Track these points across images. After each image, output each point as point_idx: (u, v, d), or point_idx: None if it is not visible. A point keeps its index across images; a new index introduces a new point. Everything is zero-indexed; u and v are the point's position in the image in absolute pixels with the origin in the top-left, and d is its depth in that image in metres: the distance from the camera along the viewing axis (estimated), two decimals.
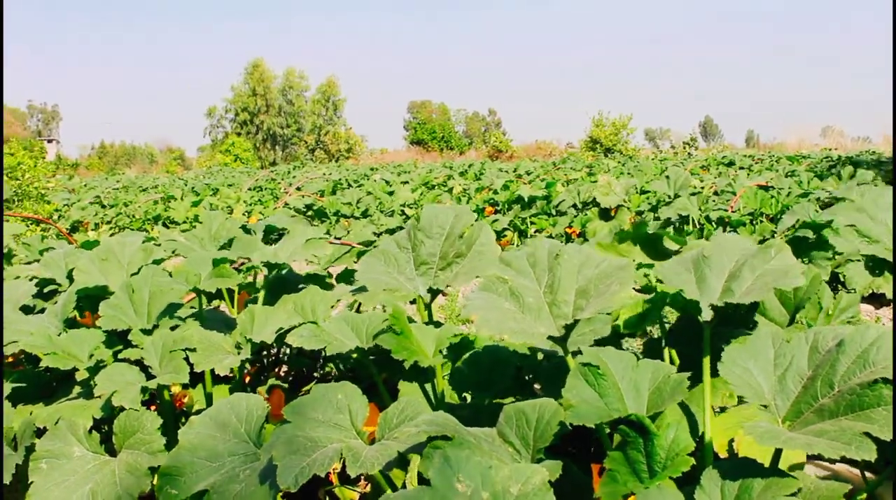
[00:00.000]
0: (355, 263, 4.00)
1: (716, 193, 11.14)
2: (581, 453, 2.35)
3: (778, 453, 1.83)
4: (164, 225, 14.26)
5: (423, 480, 2.02)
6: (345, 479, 2.69)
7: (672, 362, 2.38)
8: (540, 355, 2.69)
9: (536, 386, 2.78)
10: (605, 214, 9.34)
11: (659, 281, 2.47)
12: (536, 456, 1.84)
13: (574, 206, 10.67)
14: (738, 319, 2.45)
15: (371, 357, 2.59)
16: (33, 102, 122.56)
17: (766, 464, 1.73)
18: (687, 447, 1.72)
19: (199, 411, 2.95)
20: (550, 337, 2.10)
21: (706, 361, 2.05)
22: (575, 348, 2.19)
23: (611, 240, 3.34)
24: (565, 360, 2.20)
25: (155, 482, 2.40)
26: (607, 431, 2.02)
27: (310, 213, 13.80)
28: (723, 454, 2.07)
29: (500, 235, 10.03)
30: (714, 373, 2.15)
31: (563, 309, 2.15)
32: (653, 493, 1.60)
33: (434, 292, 2.73)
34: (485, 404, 2.48)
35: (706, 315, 2.08)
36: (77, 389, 2.98)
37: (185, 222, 13.89)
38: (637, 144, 56.74)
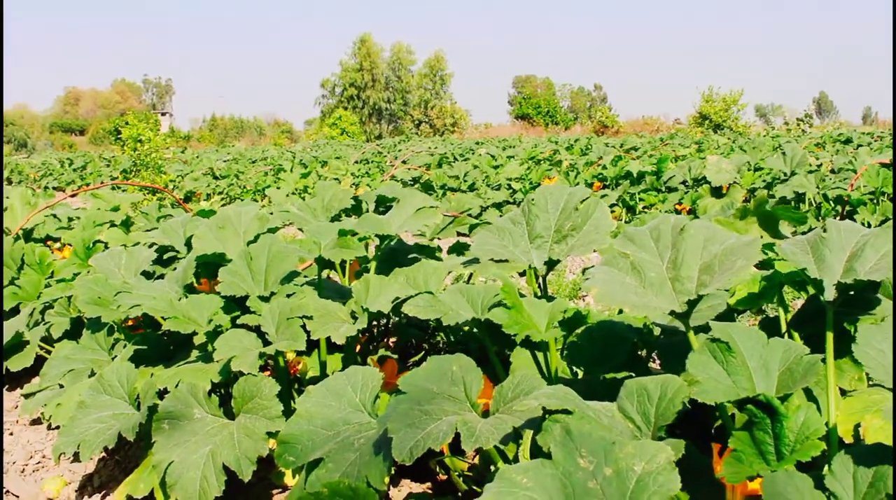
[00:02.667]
0: (463, 234, 3.99)
1: (833, 171, 10.76)
2: (698, 432, 2.29)
3: None
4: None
5: (535, 454, 2.00)
6: (455, 449, 2.69)
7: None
8: (657, 331, 2.64)
9: (651, 364, 2.73)
10: (717, 192, 9.12)
11: (778, 260, 2.39)
12: (658, 434, 1.80)
13: (684, 182, 10.45)
14: (860, 301, 2.34)
15: (485, 329, 2.57)
16: (148, 76, 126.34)
17: None
18: (818, 431, 1.66)
19: (312, 379, 2.99)
20: (672, 312, 2.05)
21: (829, 342, 1.96)
22: (696, 324, 2.14)
23: (727, 216, 3.25)
24: (686, 336, 2.15)
25: (272, 445, 2.44)
26: (730, 411, 1.96)
27: (416, 186, 13.87)
28: (848, 440, 1.99)
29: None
30: (842, 355, 2.07)
31: (686, 285, 2.09)
32: (780, 476, 1.54)
33: (550, 264, 2.69)
34: (599, 380, 2.44)
35: (829, 295, 2.00)
36: (195, 353, 3.06)
37: (294, 193, 14.11)
38: (747, 120, 55.25)
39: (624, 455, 1.42)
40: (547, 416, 1.75)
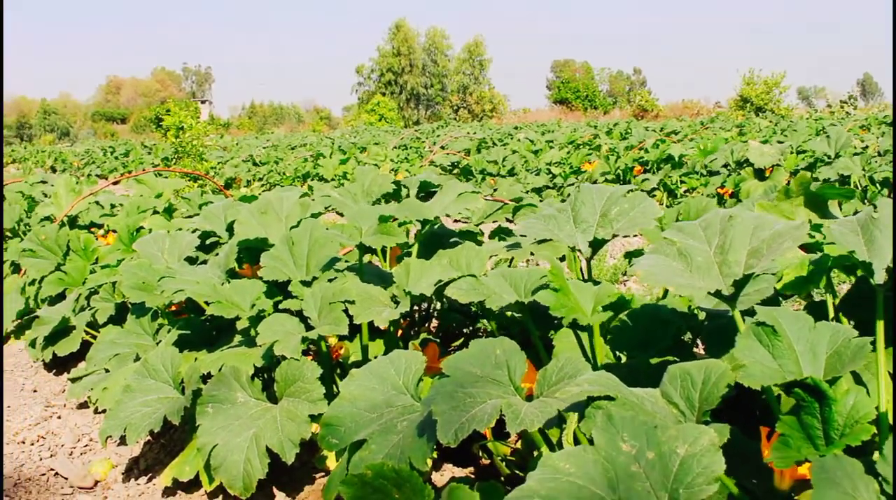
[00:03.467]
0: (508, 220, 3.97)
1: (879, 154, 10.57)
2: (745, 417, 2.27)
3: None
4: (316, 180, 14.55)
5: (579, 439, 1.99)
6: (498, 434, 2.69)
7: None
8: (701, 315, 2.61)
9: (696, 349, 2.70)
10: (760, 175, 9.00)
11: (826, 243, 2.34)
12: (702, 419, 1.78)
13: (726, 166, 10.33)
14: None
15: (528, 312, 2.56)
16: (188, 64, 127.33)
17: None
18: (867, 415, 1.63)
19: (354, 363, 2.99)
20: (719, 294, 2.02)
21: (880, 326, 1.92)
22: (742, 308, 2.11)
23: (771, 200, 3.21)
24: (731, 320, 2.12)
25: (314, 429, 2.45)
26: (776, 395, 1.94)
27: (455, 171, 13.85)
28: None
29: (649, 194, 9.84)
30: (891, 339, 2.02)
31: (734, 269, 2.05)
32: (830, 461, 1.52)
33: (595, 245, 2.67)
34: (643, 364, 2.42)
35: (879, 278, 1.95)
36: (238, 337, 3.08)
37: (333, 180, 14.15)
38: (790, 103, 54.53)
39: (666, 439, 1.41)
40: (590, 401, 1.74)
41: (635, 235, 8.60)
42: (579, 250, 2.71)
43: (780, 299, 2.54)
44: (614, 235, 2.65)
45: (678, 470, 1.35)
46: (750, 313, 2.17)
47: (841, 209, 5.71)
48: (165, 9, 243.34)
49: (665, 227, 3.15)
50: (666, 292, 3.06)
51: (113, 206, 6.54)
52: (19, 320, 5.02)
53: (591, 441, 1.48)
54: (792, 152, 10.25)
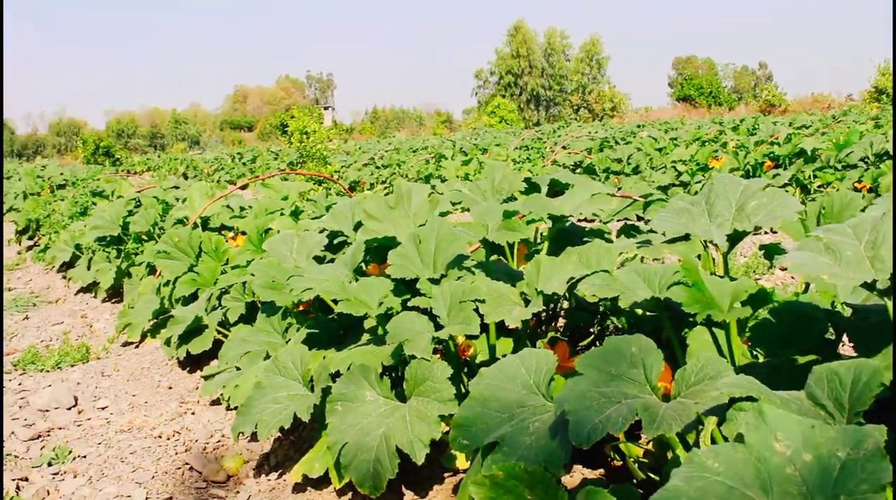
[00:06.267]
0: (639, 218, 3.86)
1: None
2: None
3: None
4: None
5: (716, 442, 1.90)
6: (629, 434, 2.61)
7: None
8: (847, 312, 2.47)
9: (841, 349, 2.56)
10: None
11: None
12: (853, 421, 1.66)
13: (863, 159, 9.88)
14: None
15: (662, 309, 2.47)
16: (311, 72, 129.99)
17: None
18: None
19: (482, 363, 2.96)
20: (873, 285, 1.89)
21: None
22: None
23: None
24: (883, 316, 1.99)
25: (444, 429, 2.42)
26: None
27: (579, 170, 13.70)
28: None
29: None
30: None
31: (887, 264, 1.93)
32: None
33: (733, 239, 2.55)
34: (783, 364, 2.30)
35: None
36: (366, 336, 3.08)
37: (455, 180, 14.19)
38: None
39: (825, 441, 1.31)
40: (731, 404, 1.66)
41: (766, 232, 8.30)
42: (715, 245, 2.60)
43: None
44: (755, 228, 2.52)
45: (839, 476, 1.25)
46: None
47: None
48: (288, 18, 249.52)
49: (806, 220, 3.01)
50: (806, 288, 2.92)
51: (242, 208, 6.69)
52: (155, 320, 5.17)
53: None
54: None
